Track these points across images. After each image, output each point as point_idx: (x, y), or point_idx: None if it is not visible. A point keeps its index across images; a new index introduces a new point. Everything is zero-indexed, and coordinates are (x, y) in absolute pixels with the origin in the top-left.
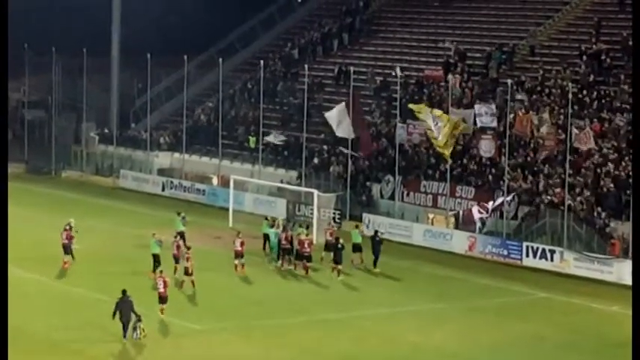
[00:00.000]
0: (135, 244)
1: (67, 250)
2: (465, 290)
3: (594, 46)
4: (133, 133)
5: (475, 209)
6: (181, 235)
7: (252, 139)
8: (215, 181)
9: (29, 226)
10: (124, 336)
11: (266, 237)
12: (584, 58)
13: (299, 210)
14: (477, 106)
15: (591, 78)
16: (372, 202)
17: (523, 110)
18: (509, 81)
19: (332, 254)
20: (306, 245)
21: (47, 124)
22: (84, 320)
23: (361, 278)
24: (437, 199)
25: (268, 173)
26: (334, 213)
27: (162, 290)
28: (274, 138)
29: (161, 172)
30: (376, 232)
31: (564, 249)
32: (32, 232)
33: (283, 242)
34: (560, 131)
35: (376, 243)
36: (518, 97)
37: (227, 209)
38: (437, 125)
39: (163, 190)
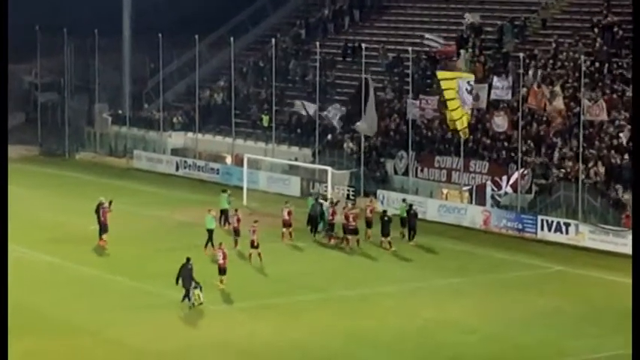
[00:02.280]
0: (150, 224)
1: (104, 227)
2: (481, 265)
3: (606, 19)
4: (146, 113)
5: (488, 186)
6: (224, 212)
7: (265, 118)
8: (229, 159)
9: (43, 209)
10: (182, 300)
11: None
12: (596, 30)
13: (313, 187)
14: (495, 78)
15: (604, 50)
16: (386, 179)
17: (537, 84)
18: (521, 54)
19: (370, 230)
20: (351, 219)
21: (60, 106)
22: (100, 301)
23: (378, 254)
24: (451, 174)
25: (282, 151)
26: (348, 190)
27: (221, 262)
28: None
29: (175, 151)
30: (411, 206)
31: (579, 222)
32: (47, 215)
33: (329, 217)
34: (572, 104)
35: (411, 217)
36: (531, 70)
37: (241, 188)
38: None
39: (177, 169)
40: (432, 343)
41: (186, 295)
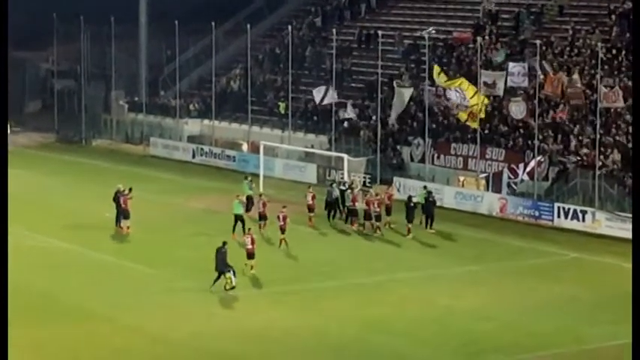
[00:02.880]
0: (166, 212)
1: (126, 215)
2: (497, 252)
3: (623, 6)
4: (162, 100)
5: (505, 174)
6: (249, 198)
7: (282, 105)
8: (245, 147)
9: (60, 196)
10: (212, 284)
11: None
12: (613, 17)
13: (329, 175)
14: (510, 64)
15: (621, 37)
16: (403, 166)
17: (552, 71)
18: (537, 42)
19: (389, 217)
20: (376, 205)
21: (77, 93)
22: (117, 288)
23: (396, 241)
24: (467, 161)
25: (298, 138)
26: (365, 177)
27: (250, 247)
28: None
29: (191, 139)
30: (430, 193)
31: (596, 209)
32: (63, 201)
33: (349, 203)
34: (589, 91)
35: (429, 204)
36: (548, 57)
37: (257, 175)
38: (460, 96)
39: (194, 157)
40: (449, 331)
41: (217, 279)
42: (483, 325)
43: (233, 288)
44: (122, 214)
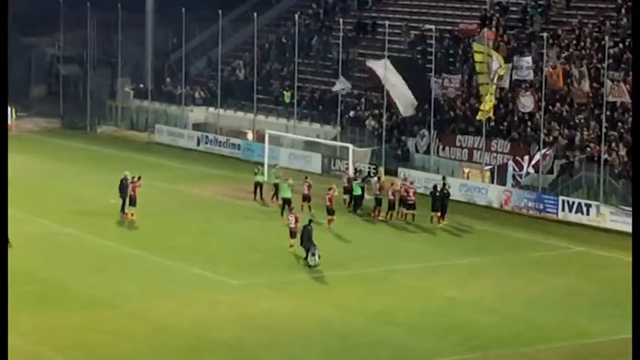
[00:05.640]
0: (170, 199)
1: (134, 202)
2: (501, 244)
3: None
4: (168, 87)
5: (510, 166)
6: (259, 185)
7: (287, 94)
8: (250, 135)
9: (65, 182)
10: (306, 258)
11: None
12: (622, 11)
13: (334, 164)
14: (515, 58)
15: (628, 31)
16: (408, 157)
17: (551, 64)
18: (544, 34)
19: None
20: (411, 194)
21: (82, 79)
22: (121, 275)
23: (397, 232)
24: (472, 153)
25: (304, 128)
26: (369, 167)
27: (293, 226)
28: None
29: (196, 126)
30: (444, 184)
31: (600, 203)
32: (67, 188)
33: (377, 192)
34: (595, 84)
35: (444, 196)
36: (552, 50)
37: (262, 164)
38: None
39: (198, 144)
40: (452, 323)
41: (307, 255)
42: (486, 317)
43: (316, 266)
44: (130, 200)
